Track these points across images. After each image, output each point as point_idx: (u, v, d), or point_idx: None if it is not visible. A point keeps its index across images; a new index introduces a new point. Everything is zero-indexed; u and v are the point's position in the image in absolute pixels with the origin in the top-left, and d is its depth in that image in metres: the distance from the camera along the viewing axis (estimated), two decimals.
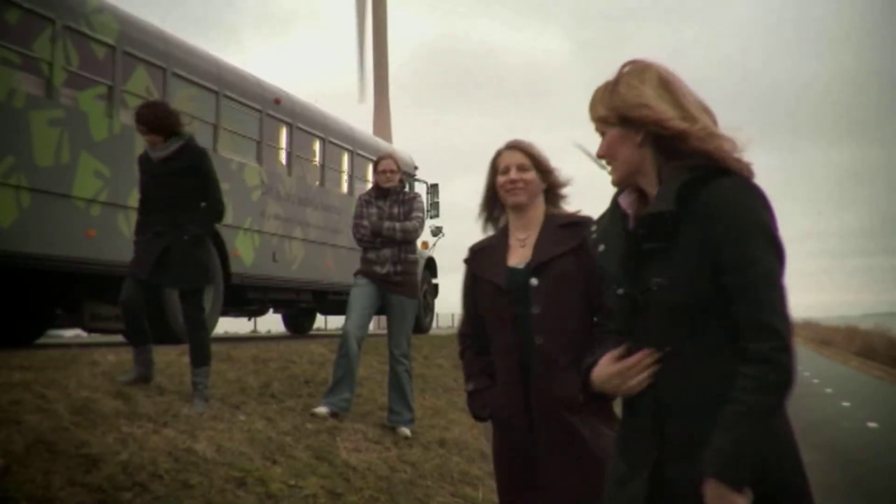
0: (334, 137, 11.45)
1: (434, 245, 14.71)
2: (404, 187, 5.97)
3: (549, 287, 2.62)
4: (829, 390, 17.36)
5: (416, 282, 5.93)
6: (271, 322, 17.25)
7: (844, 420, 12.26)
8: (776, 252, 1.66)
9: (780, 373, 1.61)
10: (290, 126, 10.33)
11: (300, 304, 11.48)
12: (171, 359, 5.71)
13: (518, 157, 2.77)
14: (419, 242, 14.54)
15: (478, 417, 2.87)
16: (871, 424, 11.54)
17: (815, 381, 20.11)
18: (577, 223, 2.69)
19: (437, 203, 14.44)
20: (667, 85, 1.75)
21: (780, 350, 1.61)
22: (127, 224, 7.41)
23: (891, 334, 35.56)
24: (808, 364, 28.10)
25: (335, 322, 25.18)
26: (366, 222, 5.77)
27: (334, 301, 11.83)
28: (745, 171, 1.70)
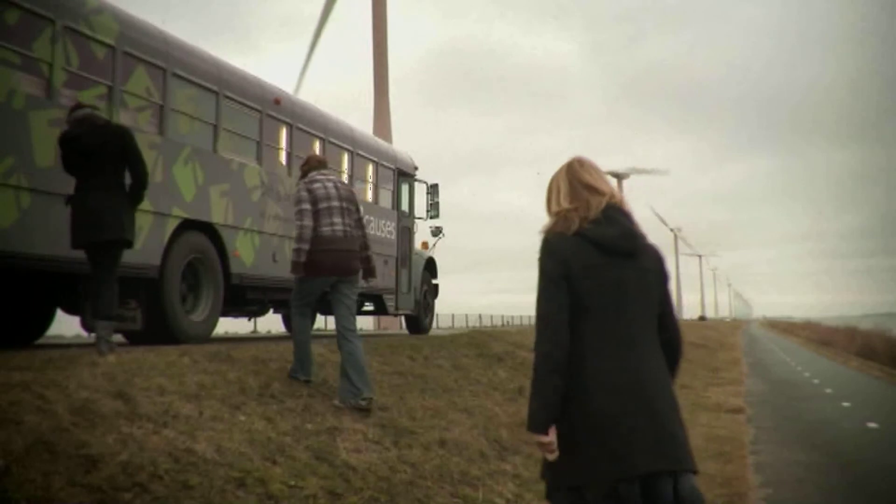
0: (334, 138, 11.45)
1: (434, 245, 14.70)
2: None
3: None
4: (829, 391, 17.34)
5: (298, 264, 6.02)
6: (271, 322, 17.24)
7: (844, 420, 12.23)
8: (545, 280, 2.67)
9: (539, 358, 2.65)
10: (290, 126, 10.33)
11: None
12: (171, 359, 5.71)
13: None
14: (419, 243, 14.58)
15: None
16: (871, 424, 11.52)
17: (816, 381, 20.10)
18: None
19: (437, 203, 14.40)
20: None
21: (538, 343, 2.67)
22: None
23: (891, 334, 35.56)
24: (809, 364, 28.09)
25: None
26: None
27: None
28: (548, 230, 2.77)
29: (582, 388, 2.62)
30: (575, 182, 2.79)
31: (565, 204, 2.76)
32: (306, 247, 5.95)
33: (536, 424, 2.63)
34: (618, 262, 2.70)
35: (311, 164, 6.38)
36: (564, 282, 2.65)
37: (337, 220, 5.97)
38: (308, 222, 5.96)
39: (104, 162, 5.64)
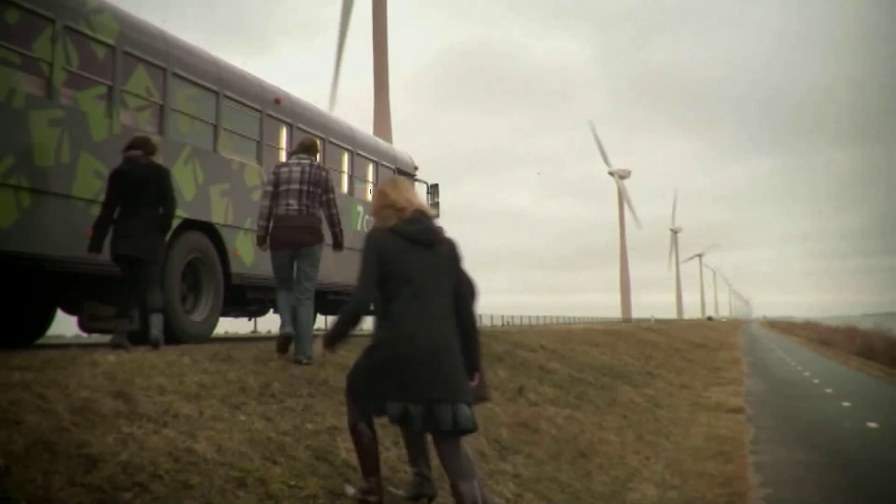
0: (334, 137, 11.44)
1: None
2: None
3: None
4: (829, 390, 17.35)
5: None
6: (271, 322, 17.20)
7: (844, 420, 12.24)
8: (365, 259, 3.89)
9: (349, 304, 4.02)
10: (290, 126, 10.33)
11: None
12: (171, 359, 5.71)
13: None
14: None
15: None
16: (871, 424, 11.53)
17: (816, 381, 20.10)
18: None
19: (438, 203, 14.38)
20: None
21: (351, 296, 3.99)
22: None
23: (891, 334, 35.63)
24: (809, 364, 28.08)
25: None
26: None
27: (334, 301, 11.82)
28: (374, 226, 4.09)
29: (391, 337, 3.80)
30: (396, 193, 4.01)
31: (394, 204, 3.96)
32: (263, 223, 6.70)
33: (330, 344, 4.07)
34: (419, 251, 3.87)
35: (296, 148, 7.00)
36: (377, 263, 3.84)
37: (293, 201, 6.56)
38: (266, 202, 6.66)
39: (141, 195, 6.57)
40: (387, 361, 3.77)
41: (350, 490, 4.25)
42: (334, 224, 6.95)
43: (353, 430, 4.13)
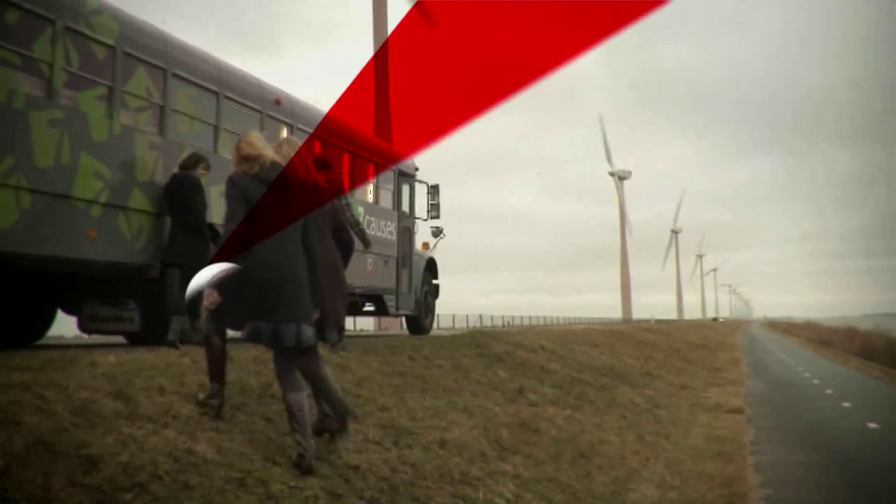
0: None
1: (435, 246, 14.69)
2: None
3: None
4: (829, 391, 17.35)
5: None
6: None
7: (844, 420, 12.25)
8: (229, 200, 4.58)
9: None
10: (290, 127, 10.32)
11: None
12: (171, 359, 5.71)
13: None
14: (420, 244, 14.59)
15: None
16: (871, 425, 11.53)
17: (816, 381, 20.10)
18: None
19: (438, 204, 14.37)
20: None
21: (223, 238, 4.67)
22: (127, 225, 7.40)
23: (891, 334, 35.59)
24: (809, 365, 28.08)
25: None
26: None
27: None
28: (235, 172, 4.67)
29: (249, 268, 4.41)
30: (250, 147, 4.60)
31: (248, 155, 4.56)
32: None
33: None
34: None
35: None
36: (240, 204, 4.46)
37: None
38: None
39: (174, 206, 7.51)
40: (243, 286, 4.42)
41: (200, 396, 4.85)
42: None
43: (207, 342, 4.81)
